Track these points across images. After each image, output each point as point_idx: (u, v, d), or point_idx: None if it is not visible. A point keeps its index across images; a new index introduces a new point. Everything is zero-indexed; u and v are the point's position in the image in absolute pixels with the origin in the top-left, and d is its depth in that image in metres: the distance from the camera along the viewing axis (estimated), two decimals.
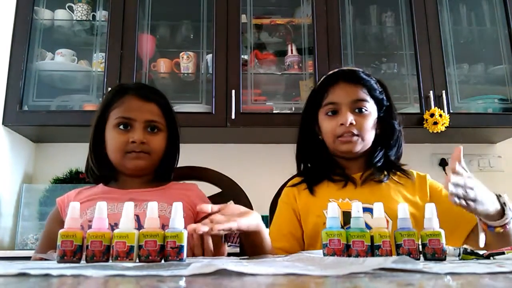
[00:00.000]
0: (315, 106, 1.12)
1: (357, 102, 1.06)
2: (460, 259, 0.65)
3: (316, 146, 1.13)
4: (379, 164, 1.08)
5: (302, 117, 1.17)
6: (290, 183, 1.15)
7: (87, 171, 1.10)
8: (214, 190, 1.26)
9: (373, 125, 1.08)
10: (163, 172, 1.12)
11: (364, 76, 1.09)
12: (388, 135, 1.10)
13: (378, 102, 1.09)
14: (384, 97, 1.11)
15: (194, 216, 1.06)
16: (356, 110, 1.06)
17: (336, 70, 1.14)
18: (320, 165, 1.12)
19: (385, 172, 1.08)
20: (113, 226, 0.88)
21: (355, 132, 1.04)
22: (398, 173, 1.09)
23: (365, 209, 0.94)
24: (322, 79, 1.15)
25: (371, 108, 1.07)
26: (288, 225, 1.07)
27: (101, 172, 1.07)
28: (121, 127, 1.02)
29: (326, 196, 1.04)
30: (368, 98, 1.07)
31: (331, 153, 1.12)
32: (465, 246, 0.69)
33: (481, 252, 0.66)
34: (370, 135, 1.07)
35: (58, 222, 1.05)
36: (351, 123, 1.03)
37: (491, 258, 0.64)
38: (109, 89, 1.17)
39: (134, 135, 1.01)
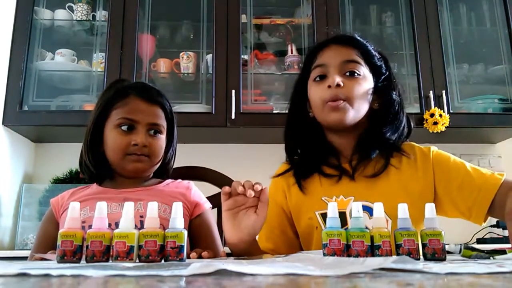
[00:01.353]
0: (304, 76, 1.00)
1: (348, 63, 0.93)
2: (461, 255, 0.64)
3: (306, 127, 1.00)
4: (371, 143, 0.95)
5: (292, 92, 1.04)
6: (276, 172, 1.04)
7: (81, 167, 1.07)
8: (214, 190, 1.26)
9: (367, 93, 0.94)
10: (160, 172, 1.12)
11: (359, 39, 0.98)
12: (387, 109, 0.97)
13: (375, 70, 0.97)
14: (383, 65, 0.99)
15: (189, 214, 1.06)
16: (347, 74, 0.93)
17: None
18: (311, 149, 1.00)
19: (381, 160, 0.95)
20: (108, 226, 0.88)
21: (342, 96, 0.91)
22: (398, 153, 0.96)
23: (363, 208, 0.91)
24: (312, 47, 1.04)
25: (364, 72, 0.95)
26: (280, 224, 1.00)
27: (97, 170, 1.05)
28: (124, 128, 1.01)
29: (318, 193, 0.95)
30: (362, 61, 0.95)
31: (323, 135, 1.00)
32: (469, 244, 0.68)
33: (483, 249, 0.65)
34: (362, 103, 0.94)
35: (52, 223, 1.04)
36: (338, 85, 0.90)
37: (491, 258, 0.64)
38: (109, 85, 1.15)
39: (137, 138, 1.00)
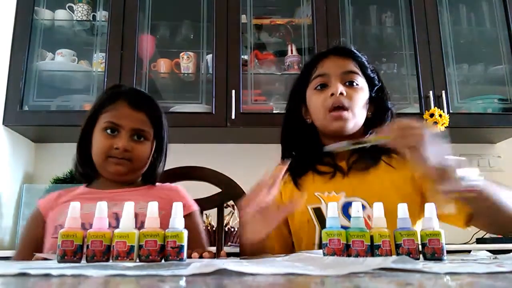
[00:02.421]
0: (303, 84, 1.06)
1: (348, 74, 1.00)
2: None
3: (303, 131, 1.06)
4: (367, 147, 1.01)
5: (289, 98, 1.10)
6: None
7: (74, 167, 1.11)
8: (214, 190, 1.26)
9: (365, 103, 1.02)
10: (147, 178, 1.13)
11: (356, 51, 1.05)
12: (380, 117, 1.04)
13: (369, 81, 1.04)
14: (376, 77, 1.06)
15: None
16: (347, 83, 1.00)
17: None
18: (307, 152, 1.05)
19: (374, 158, 1.00)
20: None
21: (346, 104, 0.97)
22: (391, 154, 1.00)
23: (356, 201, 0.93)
24: (311, 57, 1.10)
25: (362, 83, 1.02)
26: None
27: (84, 170, 1.09)
28: (108, 131, 1.04)
29: (311, 189, 1.00)
30: (360, 72, 1.02)
31: (319, 137, 1.05)
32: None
33: None
34: (361, 112, 1.01)
35: (39, 224, 1.05)
36: (341, 93, 0.96)
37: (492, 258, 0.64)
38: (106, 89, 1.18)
39: (119, 142, 1.02)
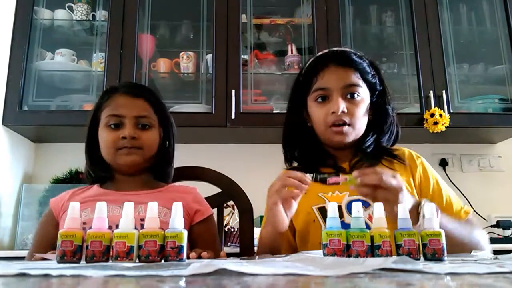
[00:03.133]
0: (303, 90, 1.05)
1: (349, 87, 0.99)
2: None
3: (305, 133, 1.06)
4: (368, 150, 1.03)
5: (289, 101, 1.10)
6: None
7: (86, 173, 1.11)
8: (214, 190, 1.26)
9: (366, 112, 1.02)
10: (160, 172, 1.11)
11: (357, 59, 1.02)
12: (380, 120, 1.05)
13: (370, 87, 1.03)
14: (377, 81, 1.05)
15: (189, 219, 1.06)
16: (348, 96, 1.00)
17: (326, 51, 1.07)
18: (309, 155, 1.06)
19: (375, 159, 1.01)
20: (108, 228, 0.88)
21: (347, 121, 0.98)
22: (390, 158, 1.03)
23: (356, 201, 0.94)
24: (310, 60, 1.07)
25: (363, 93, 1.01)
26: None
27: (96, 174, 1.08)
28: (112, 125, 1.03)
29: (316, 190, 1.00)
30: (361, 82, 1.01)
31: (320, 141, 1.06)
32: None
33: None
34: (362, 123, 1.02)
35: (52, 224, 1.04)
36: (342, 111, 0.97)
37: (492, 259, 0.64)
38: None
39: (124, 131, 1.02)
